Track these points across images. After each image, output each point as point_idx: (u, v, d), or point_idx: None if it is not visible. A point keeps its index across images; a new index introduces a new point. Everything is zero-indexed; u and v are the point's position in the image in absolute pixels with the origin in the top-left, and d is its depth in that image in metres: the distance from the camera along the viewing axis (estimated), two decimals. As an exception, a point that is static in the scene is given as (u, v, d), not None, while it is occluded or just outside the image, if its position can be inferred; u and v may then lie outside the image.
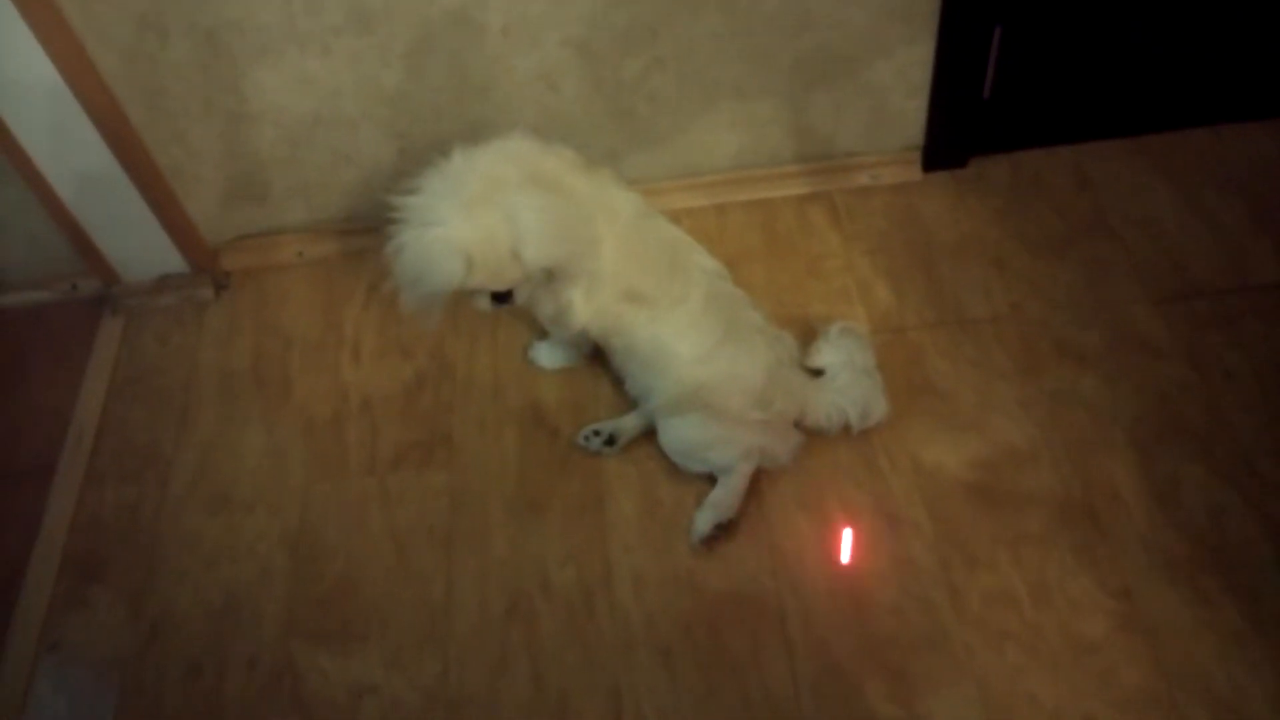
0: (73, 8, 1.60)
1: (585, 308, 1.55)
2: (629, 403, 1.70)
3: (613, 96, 1.84)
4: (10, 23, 1.52)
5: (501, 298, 1.48)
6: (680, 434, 1.58)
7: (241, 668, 1.53)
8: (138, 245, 1.90)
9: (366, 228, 1.98)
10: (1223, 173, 1.95)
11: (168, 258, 1.93)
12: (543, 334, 1.79)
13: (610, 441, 1.65)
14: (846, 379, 1.62)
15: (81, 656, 1.57)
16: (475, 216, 1.38)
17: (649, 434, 1.66)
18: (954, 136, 1.98)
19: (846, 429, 1.63)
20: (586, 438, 1.67)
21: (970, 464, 1.61)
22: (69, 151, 1.72)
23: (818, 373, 1.66)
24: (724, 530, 1.56)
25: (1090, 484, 1.57)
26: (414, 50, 1.73)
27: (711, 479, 1.60)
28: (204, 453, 1.77)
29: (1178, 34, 1.90)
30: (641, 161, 1.95)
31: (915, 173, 2.02)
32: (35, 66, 1.58)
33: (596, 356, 1.75)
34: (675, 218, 1.65)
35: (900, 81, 1.89)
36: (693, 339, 1.52)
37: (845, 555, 1.55)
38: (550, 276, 1.47)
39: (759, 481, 1.61)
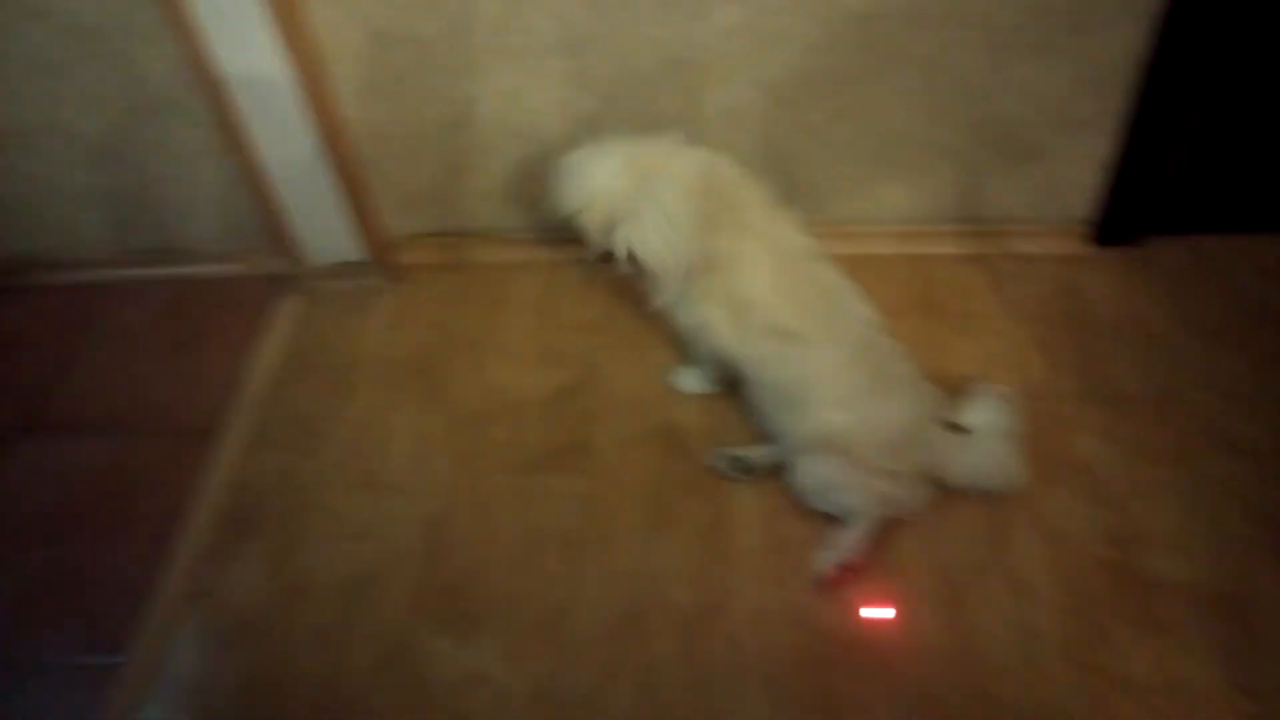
0: (314, 8, 1.74)
1: (728, 330, 1.59)
2: (763, 437, 1.72)
3: (794, 140, 1.88)
4: (261, 24, 1.67)
5: (604, 257, 1.56)
6: (813, 472, 1.59)
7: (367, 640, 1.60)
8: (325, 231, 2.04)
9: (539, 240, 2.07)
10: None
11: (350, 246, 2.06)
12: (686, 360, 1.83)
13: (745, 469, 1.68)
14: (989, 442, 1.60)
15: (224, 605, 1.67)
16: (623, 173, 1.50)
17: (781, 468, 1.68)
18: (1131, 213, 1.94)
19: (981, 491, 1.61)
20: (727, 461, 1.69)
21: (1106, 539, 1.57)
22: (286, 140, 1.85)
23: (962, 430, 1.64)
24: (846, 573, 1.56)
25: (1234, 578, 1.50)
26: (615, 78, 1.81)
27: (839, 521, 1.60)
28: (359, 432, 1.87)
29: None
30: (811, 204, 1.98)
31: (1083, 246, 1.98)
32: (276, 63, 1.72)
33: (735, 389, 1.78)
34: (839, 262, 1.66)
35: (1082, 155, 1.87)
36: (839, 384, 1.54)
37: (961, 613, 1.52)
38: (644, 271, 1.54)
39: (889, 531, 1.60)
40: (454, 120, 1.91)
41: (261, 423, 1.91)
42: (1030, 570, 1.55)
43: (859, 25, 1.70)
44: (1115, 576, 1.53)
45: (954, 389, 1.73)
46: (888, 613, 1.53)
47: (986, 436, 1.61)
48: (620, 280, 1.73)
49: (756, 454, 1.69)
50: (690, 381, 1.82)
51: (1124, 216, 1.95)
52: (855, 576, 1.56)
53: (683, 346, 1.81)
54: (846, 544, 1.56)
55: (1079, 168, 1.90)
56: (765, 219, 1.56)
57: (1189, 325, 1.84)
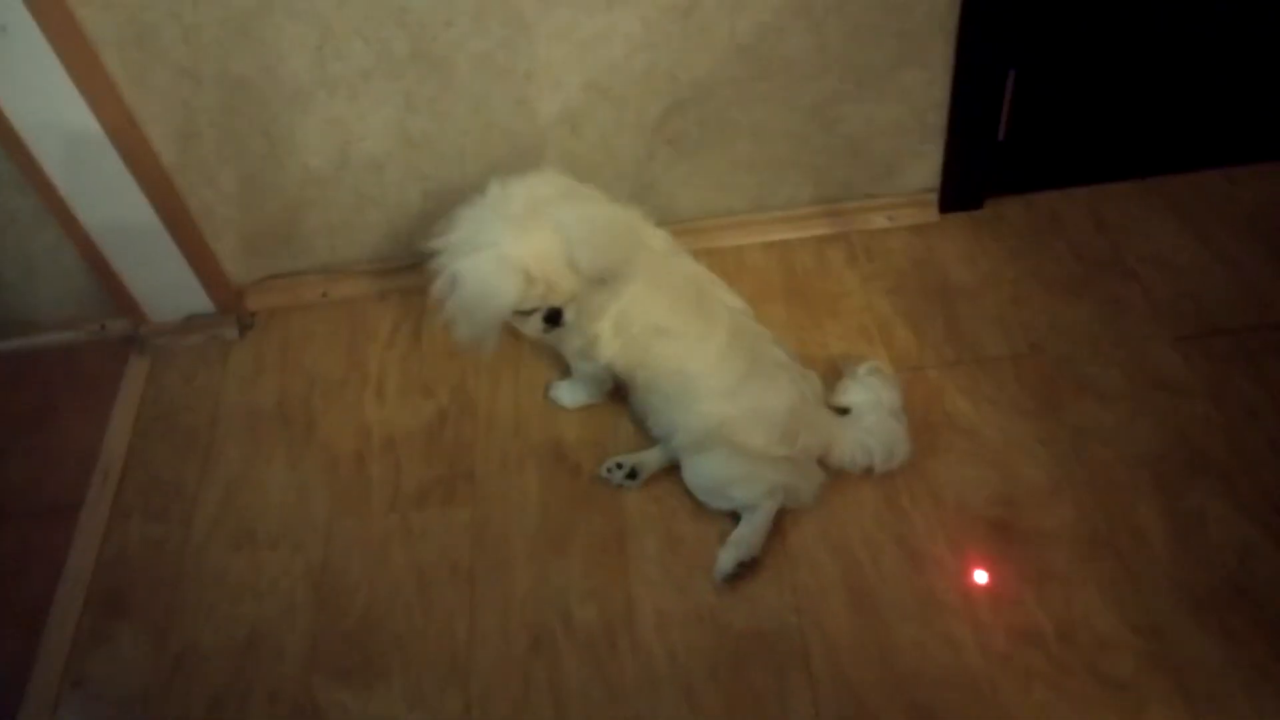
0: (110, 54, 1.65)
1: (613, 341, 1.58)
2: (649, 441, 1.71)
3: (634, 139, 1.87)
4: (50, 70, 1.57)
5: (554, 318, 1.50)
6: (704, 470, 1.59)
7: (264, 703, 1.53)
8: (166, 286, 1.94)
9: (390, 268, 2.02)
10: (1237, 213, 1.97)
11: (194, 298, 1.97)
12: (564, 373, 1.81)
13: (633, 475, 1.66)
14: (874, 419, 1.63)
15: (105, 692, 1.57)
16: (527, 232, 1.43)
17: (671, 470, 1.67)
18: (969, 178, 2.01)
19: (869, 469, 1.64)
20: (609, 470, 1.67)
21: (992, 500, 1.61)
22: (103, 195, 1.75)
23: (844, 411, 1.66)
24: (747, 568, 1.56)
25: (1114, 521, 1.57)
26: (440, 95, 1.77)
27: (735, 517, 1.61)
28: (228, 490, 1.78)
29: (1189, 77, 1.93)
30: (661, 203, 1.98)
31: (932, 214, 2.04)
32: (73, 112, 1.63)
33: (617, 395, 1.76)
34: (695, 258, 1.67)
35: (916, 124, 1.92)
36: (718, 374, 1.53)
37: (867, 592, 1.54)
38: (603, 282, 1.50)
39: (782, 520, 1.61)
40: (281, 156, 1.83)
41: (125, 493, 1.81)
42: (926, 540, 1.58)
43: (679, 17, 1.70)
44: (1005, 534, 1.57)
45: (830, 369, 1.76)
46: (794, 603, 1.54)
47: (869, 413, 1.64)
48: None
49: (645, 458, 1.68)
50: (570, 395, 1.80)
51: (963, 181, 2.02)
52: (757, 571, 1.56)
53: (557, 361, 1.78)
54: (745, 539, 1.56)
55: (916, 137, 1.95)
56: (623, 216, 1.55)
57: (1039, 280, 1.91)
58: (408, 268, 2.03)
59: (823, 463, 1.63)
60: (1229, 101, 1.98)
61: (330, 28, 1.66)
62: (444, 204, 1.86)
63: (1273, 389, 1.69)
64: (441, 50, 1.71)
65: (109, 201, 1.76)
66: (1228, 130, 2.03)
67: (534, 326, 1.52)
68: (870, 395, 1.65)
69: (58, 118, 1.63)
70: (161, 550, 1.72)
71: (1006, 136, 1.95)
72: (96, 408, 1.93)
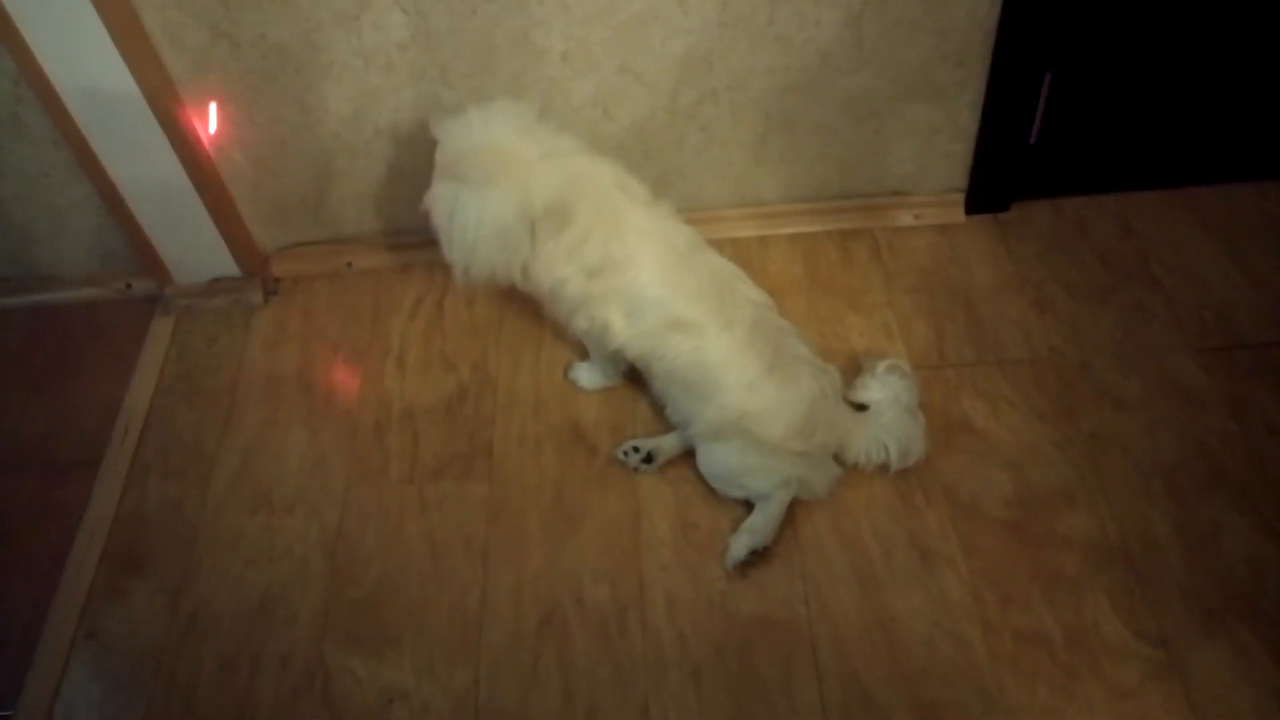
0: (151, 15, 1.65)
1: (625, 330, 1.58)
2: (667, 426, 1.72)
3: (666, 124, 1.87)
4: (91, 27, 1.57)
5: None
6: (720, 459, 1.60)
7: (274, 666, 1.55)
8: (193, 248, 1.94)
9: (417, 242, 2.02)
10: (1265, 228, 1.97)
11: (221, 261, 1.97)
12: (584, 354, 1.81)
13: (649, 459, 1.67)
14: (891, 417, 1.63)
15: (117, 646, 1.59)
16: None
17: (686, 455, 1.68)
18: (998, 180, 2.00)
19: (885, 466, 1.64)
20: (626, 453, 1.68)
21: (1006, 502, 1.62)
22: (136, 154, 1.76)
23: (861, 407, 1.67)
24: (758, 556, 1.57)
25: (1127, 529, 1.57)
26: (475, 71, 1.77)
27: (748, 505, 1.62)
28: (247, 453, 1.80)
29: (1223, 90, 1.92)
30: (690, 190, 1.98)
31: (958, 214, 2.04)
32: (111, 71, 1.63)
33: (636, 378, 1.77)
34: (720, 247, 1.67)
35: (948, 123, 1.92)
36: (739, 367, 1.54)
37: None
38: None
39: (795, 511, 1.62)
40: (314, 124, 1.84)
41: (144, 451, 1.82)
42: (938, 539, 1.59)
43: (718, 4, 1.70)
44: (1017, 537, 1.58)
45: (850, 364, 1.77)
46: (803, 593, 1.55)
47: (887, 411, 1.64)
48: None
49: (661, 443, 1.69)
50: (589, 377, 1.81)
51: (991, 183, 2.01)
52: (768, 560, 1.57)
53: (578, 341, 1.79)
54: (758, 528, 1.57)
55: (947, 136, 1.94)
56: (645, 216, 1.56)
57: (1060, 284, 1.91)
58: (433, 242, 2.03)
59: (838, 458, 1.64)
60: (1262, 114, 1.97)
61: (369, -2, 1.66)
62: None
63: (1293, 406, 1.69)
64: (480, 25, 1.71)
65: (141, 160, 1.77)
66: (1260, 143, 2.02)
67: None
68: (888, 393, 1.65)
69: (96, 74, 1.63)
70: (178, 510, 1.73)
71: (1038, 140, 1.94)
72: (119, 366, 1.95)
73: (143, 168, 1.78)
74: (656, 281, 1.54)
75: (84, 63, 1.62)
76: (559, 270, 1.55)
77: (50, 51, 1.61)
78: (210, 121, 1.80)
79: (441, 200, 1.54)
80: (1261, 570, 1.51)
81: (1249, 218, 1.99)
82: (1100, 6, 1.77)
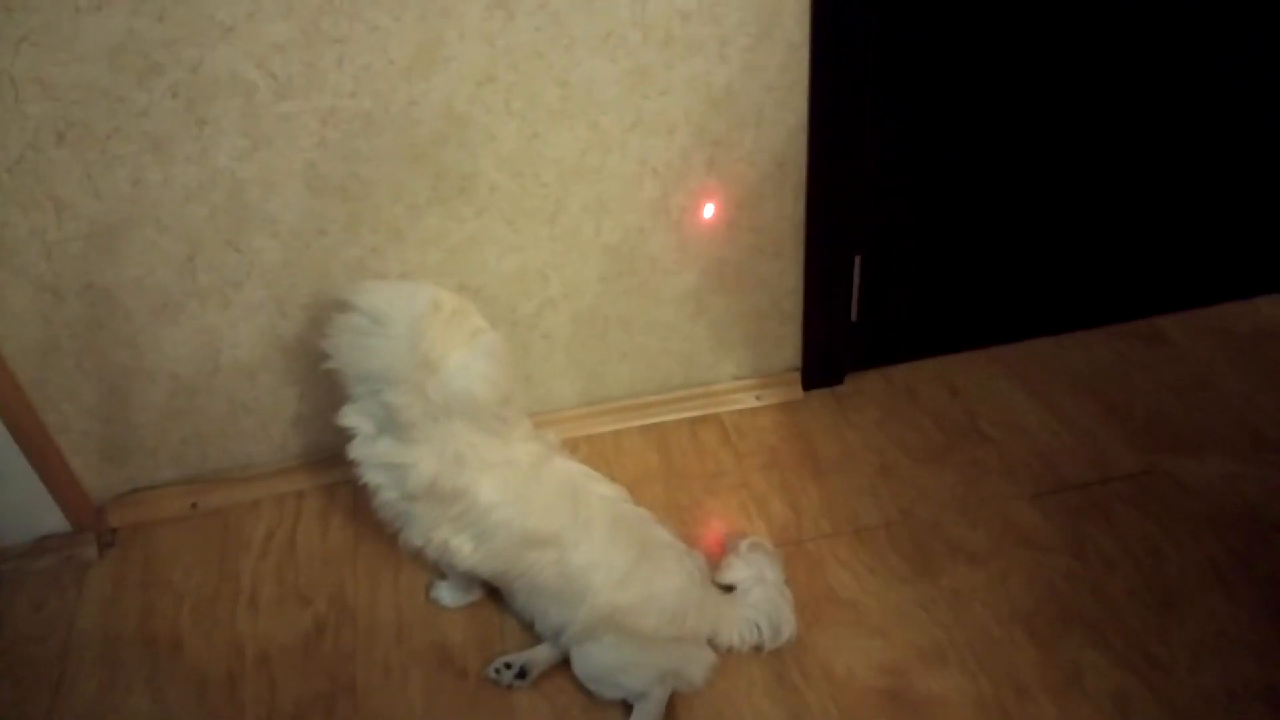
0: (-34, 273, 1.62)
1: (473, 553, 1.56)
2: (536, 638, 1.67)
3: (509, 334, 1.92)
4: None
5: None
6: (594, 659, 1.56)
7: None
8: (15, 506, 1.83)
9: (265, 473, 1.97)
10: (1068, 375, 2.14)
11: (48, 517, 1.86)
12: (442, 574, 1.77)
13: (522, 674, 1.61)
14: (759, 594, 1.64)
15: None
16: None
17: (561, 666, 1.63)
18: (828, 356, 2.13)
19: (758, 646, 1.64)
20: (498, 670, 1.62)
21: (881, 670, 1.63)
22: (-49, 414, 1.68)
23: (729, 588, 1.68)
24: (644, 757, 1.52)
25: (998, 680, 1.60)
26: (314, 299, 1.79)
27: (627, 708, 1.57)
28: (81, 726, 1.64)
29: (1013, 258, 2.13)
30: (539, 393, 2.02)
31: (798, 391, 2.14)
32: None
33: (500, 593, 1.73)
34: (574, 445, 1.69)
35: (774, 310, 2.04)
36: (605, 567, 1.53)
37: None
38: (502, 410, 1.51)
39: (675, 706, 1.58)
40: (150, 366, 1.81)
41: (-43, 742, 1.64)
42: (819, 715, 1.57)
43: (546, 221, 1.80)
44: (897, 704, 1.58)
45: (712, 548, 1.78)
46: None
47: (754, 589, 1.65)
48: (357, 504, 1.67)
49: (534, 655, 1.64)
50: (451, 595, 1.76)
51: (822, 360, 2.13)
52: (654, 760, 1.52)
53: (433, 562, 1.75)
54: (639, 729, 1.52)
55: (776, 321, 2.06)
56: (491, 448, 1.53)
57: (900, 448, 2.01)
58: (282, 471, 1.99)
59: (712, 642, 1.62)
60: (1053, 275, 2.18)
61: (202, 239, 1.68)
62: (320, 406, 1.86)
63: (1124, 538, 1.79)
64: (314, 258, 1.74)
65: (-45, 421, 1.69)
66: (1050, 302, 2.23)
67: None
68: (753, 570, 1.67)
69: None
70: (3, 802, 1.56)
71: (859, 316, 2.08)
72: (-72, 647, 1.77)
73: (-43, 428, 1.70)
74: (499, 504, 1.52)
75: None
76: (375, 474, 1.54)
77: None
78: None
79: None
80: (1125, 703, 1.55)
81: (1053, 368, 2.16)
82: (893, 196, 1.96)
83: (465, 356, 1.47)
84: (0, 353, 1.70)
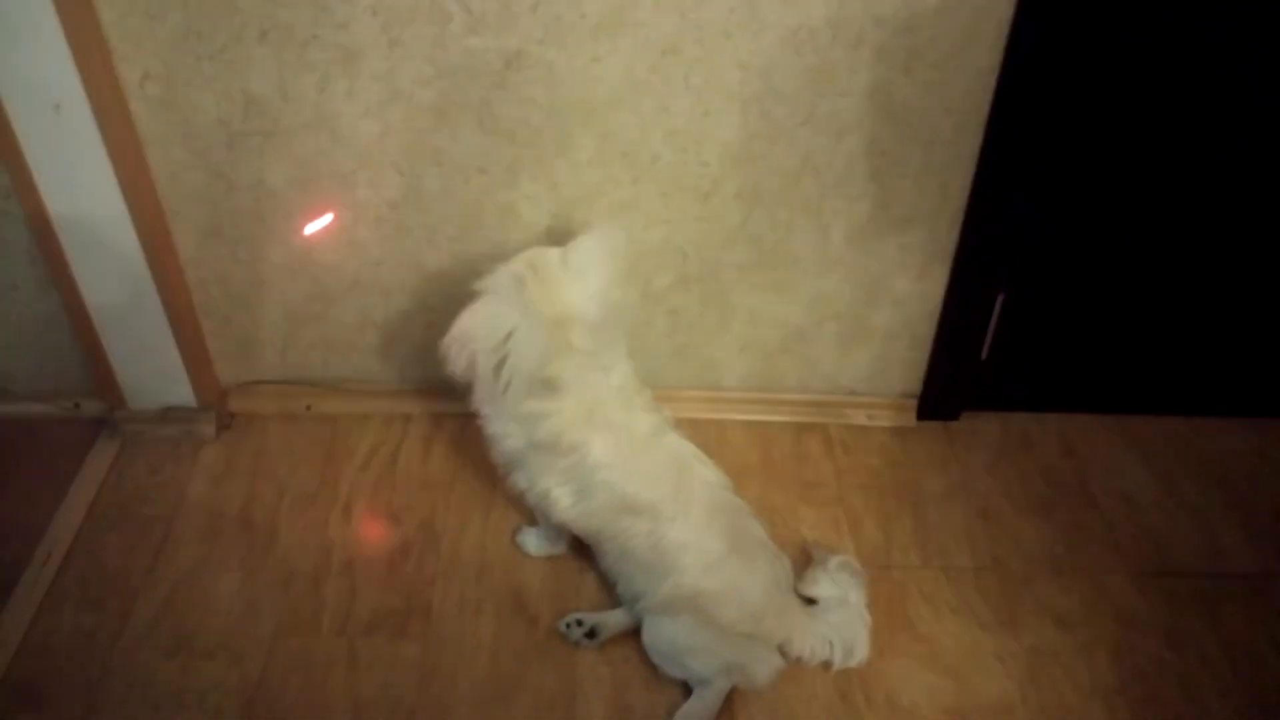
0: (155, 151, 1.71)
1: (571, 508, 1.58)
2: (612, 601, 1.69)
3: (637, 305, 1.93)
4: (95, 155, 1.62)
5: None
6: (667, 634, 1.57)
7: (168, 826, 1.45)
8: (152, 374, 1.93)
9: (379, 391, 2.03)
10: (1197, 462, 2.05)
11: (178, 390, 1.96)
12: (533, 520, 1.80)
13: (591, 634, 1.64)
14: (840, 616, 1.63)
15: (0, 791, 1.48)
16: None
17: (629, 635, 1.65)
18: (950, 390, 2.08)
19: (827, 663, 1.63)
20: (568, 625, 1.65)
21: (945, 711, 1.60)
22: (114, 278, 1.78)
23: (810, 600, 1.67)
24: (692, 741, 1.52)
25: (1065, 749, 1.56)
26: (461, 235, 1.83)
27: (686, 690, 1.58)
28: (174, 590, 1.73)
29: (1167, 328, 2.05)
30: (653, 368, 2.03)
31: (910, 419, 2.11)
32: (107, 198, 1.66)
33: (584, 548, 1.75)
34: (677, 425, 1.69)
35: (905, 332, 2.01)
36: (697, 549, 1.53)
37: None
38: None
39: (733, 701, 1.59)
40: (296, 268, 1.88)
41: (64, 578, 1.75)
42: (874, 741, 1.56)
43: (699, 199, 1.80)
44: (954, 746, 1.56)
45: (799, 555, 1.77)
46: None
47: (836, 609, 1.64)
48: (462, 438, 1.68)
49: (606, 619, 1.66)
50: (536, 543, 1.79)
51: (943, 392, 2.09)
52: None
53: (529, 508, 1.78)
54: (694, 715, 1.53)
55: (904, 344, 2.03)
56: (616, 409, 1.55)
57: (1006, 496, 1.96)
58: (395, 393, 2.05)
59: (782, 649, 1.61)
60: (1199, 355, 2.09)
61: (369, 157, 1.73)
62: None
63: (1226, 637, 1.72)
64: (471, 193, 1.78)
65: (118, 285, 1.78)
66: (1194, 382, 2.14)
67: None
68: (839, 591, 1.66)
69: (90, 200, 1.67)
70: (90, 644, 1.65)
71: (989, 355, 2.04)
72: (52, 487, 1.89)
73: (118, 292, 1.79)
74: (607, 465, 1.54)
75: (82, 187, 1.65)
76: (505, 424, 1.56)
77: (50, 173, 1.64)
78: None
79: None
80: (1196, 805, 1.50)
81: (1180, 449, 2.07)
82: (1051, 239, 1.90)
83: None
84: (170, 227, 1.79)
